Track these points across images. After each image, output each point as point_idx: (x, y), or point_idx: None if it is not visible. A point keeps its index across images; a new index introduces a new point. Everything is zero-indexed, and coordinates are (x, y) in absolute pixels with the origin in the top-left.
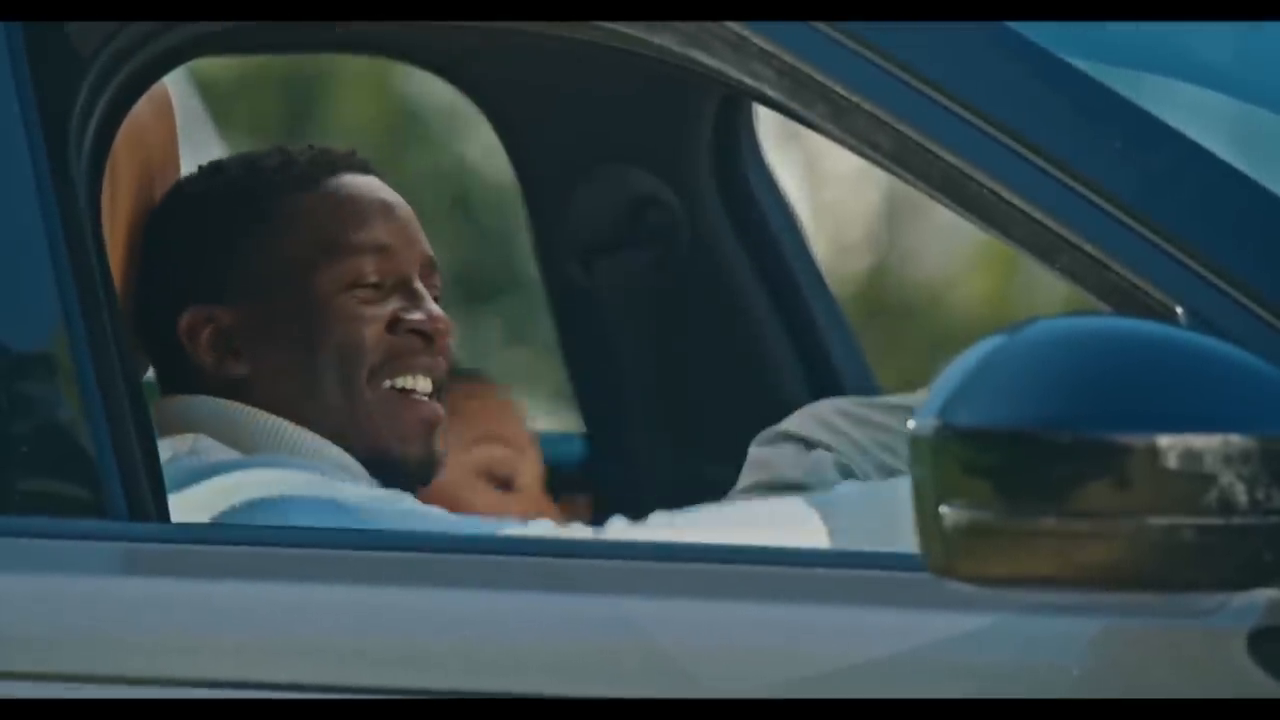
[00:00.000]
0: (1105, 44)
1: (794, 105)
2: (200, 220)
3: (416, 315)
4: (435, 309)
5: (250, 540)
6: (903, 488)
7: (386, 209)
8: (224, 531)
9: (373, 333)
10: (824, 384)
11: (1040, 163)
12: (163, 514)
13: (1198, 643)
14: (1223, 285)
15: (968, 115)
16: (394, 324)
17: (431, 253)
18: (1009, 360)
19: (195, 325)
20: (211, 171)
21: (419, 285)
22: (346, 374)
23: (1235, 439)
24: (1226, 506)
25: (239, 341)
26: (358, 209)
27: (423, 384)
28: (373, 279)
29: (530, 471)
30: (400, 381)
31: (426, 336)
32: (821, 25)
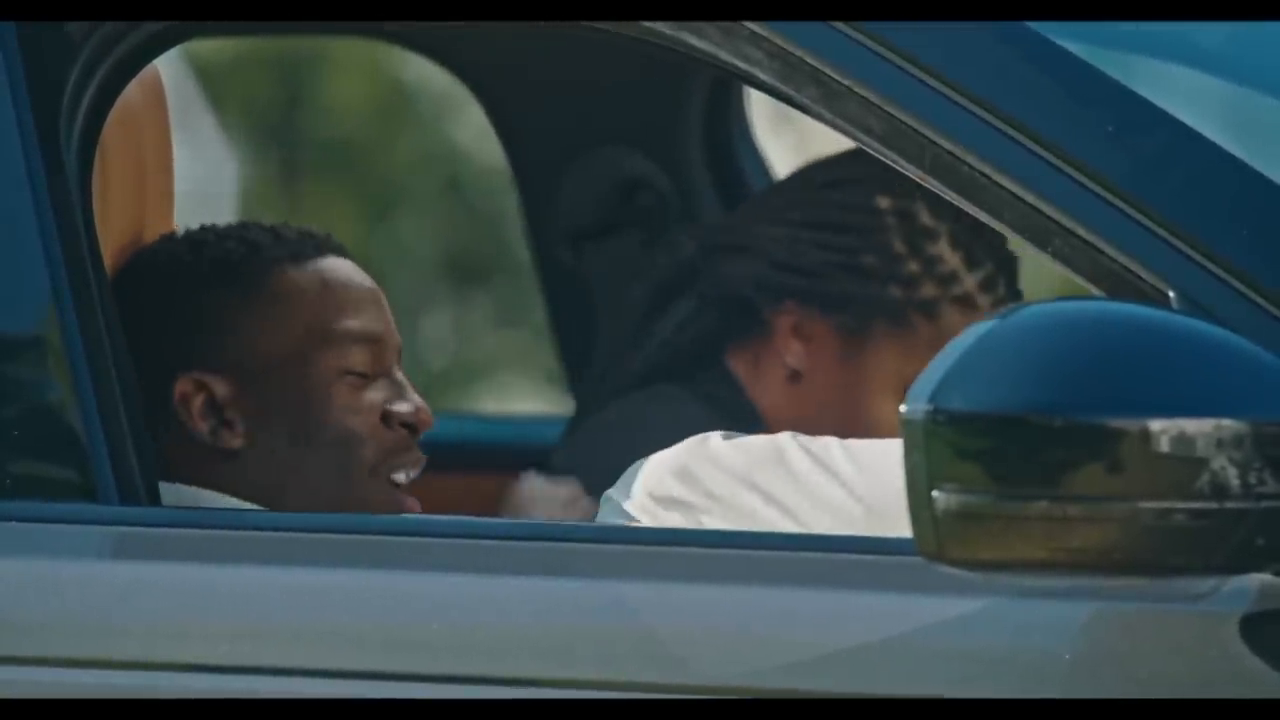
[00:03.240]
0: (1097, 27)
1: (785, 88)
2: (189, 287)
3: (406, 408)
4: (419, 400)
5: (241, 524)
6: None
7: (374, 298)
8: (214, 516)
9: (369, 424)
10: None
11: (1032, 146)
12: (153, 497)
13: (1190, 627)
14: (1215, 269)
15: (959, 99)
16: (387, 416)
17: (400, 340)
18: (1001, 344)
19: (188, 393)
20: (195, 243)
21: (400, 375)
22: (345, 463)
23: (1227, 423)
24: (1219, 491)
25: (233, 413)
26: (350, 296)
27: (411, 475)
28: (362, 369)
29: None
30: (396, 475)
31: (414, 429)
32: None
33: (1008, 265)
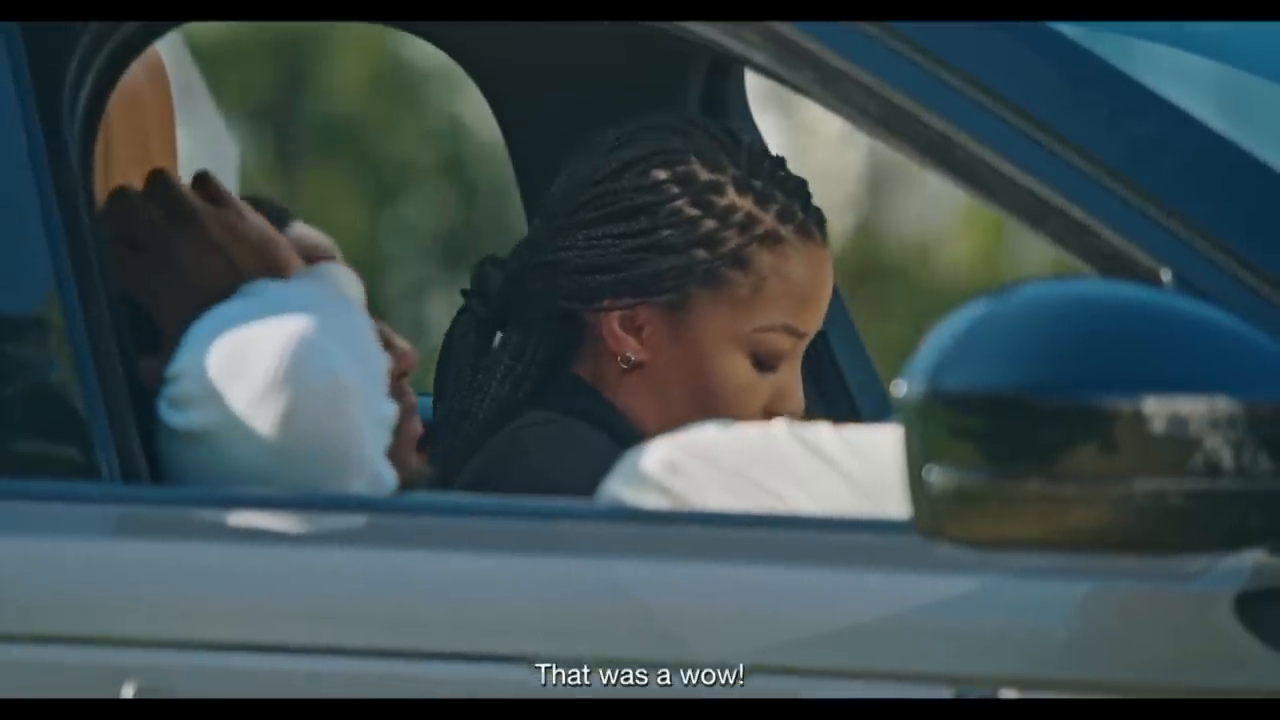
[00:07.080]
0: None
1: (782, 71)
2: None
3: None
4: None
5: (243, 503)
6: None
7: None
8: (217, 494)
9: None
10: (811, 349)
11: (1027, 128)
12: (155, 476)
13: (1184, 606)
14: (1209, 250)
15: (955, 81)
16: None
17: None
18: (996, 325)
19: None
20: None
21: None
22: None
23: (1221, 402)
24: (1212, 470)
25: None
26: None
27: None
28: None
29: None
30: None
31: None
32: None
33: (797, 190)
